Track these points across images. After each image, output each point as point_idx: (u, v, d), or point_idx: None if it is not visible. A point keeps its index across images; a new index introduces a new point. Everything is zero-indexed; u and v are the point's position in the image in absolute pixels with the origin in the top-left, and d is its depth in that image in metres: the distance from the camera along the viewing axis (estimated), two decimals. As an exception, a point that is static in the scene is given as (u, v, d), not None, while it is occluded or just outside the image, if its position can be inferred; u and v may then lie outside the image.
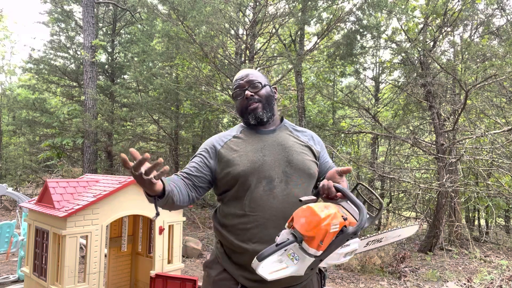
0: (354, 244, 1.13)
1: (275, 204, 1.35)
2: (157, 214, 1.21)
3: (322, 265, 1.11)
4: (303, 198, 1.17)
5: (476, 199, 6.80)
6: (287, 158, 1.43)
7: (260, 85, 1.51)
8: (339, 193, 1.21)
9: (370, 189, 1.20)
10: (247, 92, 1.49)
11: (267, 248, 1.07)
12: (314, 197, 1.19)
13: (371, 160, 8.76)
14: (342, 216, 1.09)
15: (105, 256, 3.26)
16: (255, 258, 1.07)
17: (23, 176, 12.14)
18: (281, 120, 1.62)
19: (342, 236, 1.07)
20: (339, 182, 1.27)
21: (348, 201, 1.19)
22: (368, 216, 1.15)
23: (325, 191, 1.24)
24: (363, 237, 1.36)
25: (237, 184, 1.39)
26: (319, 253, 1.05)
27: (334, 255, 1.09)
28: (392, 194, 9.68)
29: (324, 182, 1.25)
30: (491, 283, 4.69)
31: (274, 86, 1.61)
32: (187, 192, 1.39)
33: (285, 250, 1.09)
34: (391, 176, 7.47)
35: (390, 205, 9.63)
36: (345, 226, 1.08)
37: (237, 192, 1.40)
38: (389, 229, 1.52)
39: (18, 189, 12.35)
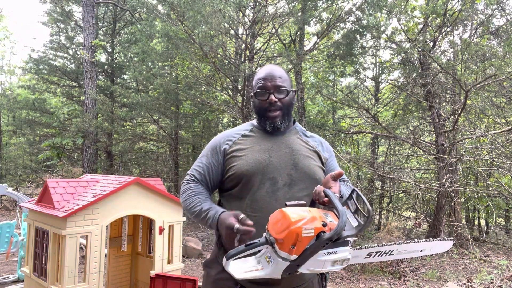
0: (343, 253, 1.08)
1: (277, 207, 1.29)
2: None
3: (304, 271, 1.08)
4: (289, 203, 1.15)
5: (476, 199, 6.80)
6: (294, 161, 1.42)
7: (286, 92, 1.48)
8: (326, 198, 1.18)
9: (362, 196, 1.14)
10: (272, 97, 1.44)
11: (236, 248, 1.10)
12: (302, 202, 1.17)
13: (371, 160, 8.76)
14: (322, 222, 1.05)
15: (105, 256, 3.26)
16: (224, 256, 1.10)
17: (23, 176, 12.15)
18: (293, 122, 1.60)
19: (317, 242, 1.03)
20: (331, 187, 1.24)
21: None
22: (357, 223, 1.10)
23: (316, 196, 1.22)
24: (359, 247, 1.30)
25: (241, 183, 1.39)
26: (292, 257, 1.03)
27: (316, 262, 1.06)
28: (392, 194, 9.68)
29: (317, 187, 1.24)
30: (491, 283, 4.69)
31: (294, 90, 1.57)
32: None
33: (260, 251, 1.10)
34: (391, 176, 7.47)
35: (390, 205, 9.63)
36: (323, 231, 1.03)
37: (240, 191, 1.40)
38: (404, 241, 1.36)
39: (18, 189, 12.36)
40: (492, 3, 6.92)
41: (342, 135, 8.57)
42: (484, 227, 9.99)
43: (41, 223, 3.00)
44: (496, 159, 6.36)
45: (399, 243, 1.33)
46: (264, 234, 1.10)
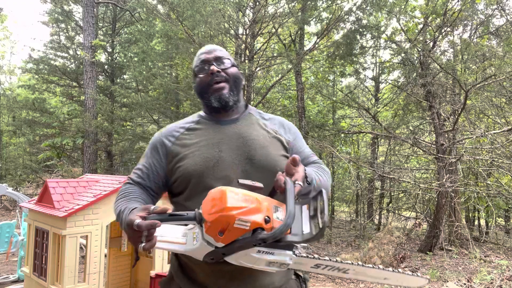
0: (282, 256, 0.93)
1: None
2: (138, 258, 1.17)
3: (232, 262, 0.95)
4: (242, 181, 0.98)
5: (476, 199, 6.80)
6: (248, 154, 1.20)
7: (230, 62, 1.29)
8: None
9: (325, 203, 0.94)
10: (212, 67, 1.25)
11: (161, 214, 0.95)
12: (259, 184, 0.98)
13: (371, 160, 8.77)
14: (266, 217, 0.89)
15: (105, 256, 3.26)
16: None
17: (23, 176, 12.15)
18: (246, 107, 1.36)
19: (250, 239, 0.88)
20: (293, 173, 1.04)
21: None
22: (308, 231, 0.91)
23: (278, 186, 1.03)
24: (306, 256, 1.08)
25: (189, 186, 1.19)
26: (218, 244, 0.89)
27: (247, 256, 0.92)
28: (392, 194, 9.68)
29: (278, 174, 1.04)
30: (491, 283, 4.69)
31: (241, 72, 1.39)
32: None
33: (186, 225, 0.98)
34: (391, 176, 7.47)
35: (390, 205, 9.63)
36: (261, 228, 0.88)
37: (189, 196, 1.20)
38: (364, 264, 1.14)
39: (18, 189, 12.35)
40: (492, 3, 6.93)
41: (342, 135, 8.58)
42: (484, 227, 10.00)
43: (41, 223, 3.00)
44: (496, 159, 6.36)
45: (356, 264, 1.12)
46: (196, 209, 0.95)
